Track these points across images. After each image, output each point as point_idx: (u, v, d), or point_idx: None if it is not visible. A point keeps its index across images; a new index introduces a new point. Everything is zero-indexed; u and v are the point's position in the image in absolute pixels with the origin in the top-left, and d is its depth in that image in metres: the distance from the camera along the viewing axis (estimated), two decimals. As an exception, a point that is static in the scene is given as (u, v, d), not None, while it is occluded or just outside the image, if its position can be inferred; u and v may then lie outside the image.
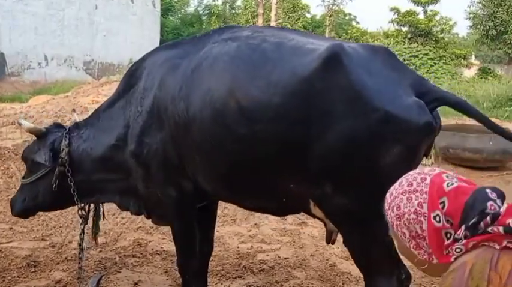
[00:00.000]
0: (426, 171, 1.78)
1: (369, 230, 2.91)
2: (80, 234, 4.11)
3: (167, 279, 4.67)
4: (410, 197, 1.74)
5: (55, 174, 3.91)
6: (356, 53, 2.92)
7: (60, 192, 3.92)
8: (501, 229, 1.58)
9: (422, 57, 25.22)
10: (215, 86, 3.18)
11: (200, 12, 38.21)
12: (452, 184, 1.70)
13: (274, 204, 3.33)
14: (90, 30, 25.53)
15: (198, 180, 3.43)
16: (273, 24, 24.61)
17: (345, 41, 3.49)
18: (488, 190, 1.67)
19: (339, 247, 5.57)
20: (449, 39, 29.19)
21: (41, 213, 6.17)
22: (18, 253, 5.00)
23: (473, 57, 30.59)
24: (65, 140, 3.97)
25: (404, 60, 25.11)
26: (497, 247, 1.59)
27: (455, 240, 1.66)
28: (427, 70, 24.75)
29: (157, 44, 28.81)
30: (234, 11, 35.12)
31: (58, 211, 6.22)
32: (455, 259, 1.66)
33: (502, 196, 1.67)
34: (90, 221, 4.28)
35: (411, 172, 1.82)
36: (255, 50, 3.16)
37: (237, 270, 4.92)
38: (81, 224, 4.11)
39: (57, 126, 4.26)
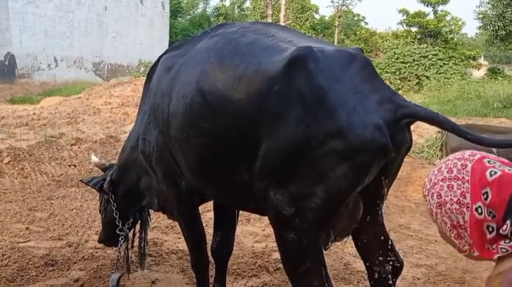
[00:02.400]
0: (466, 156, 1.72)
1: (298, 239, 2.78)
2: (119, 254, 4.36)
3: (183, 278, 4.70)
4: (451, 184, 1.69)
5: (102, 201, 4.39)
6: (325, 58, 2.74)
7: (112, 218, 4.31)
8: None
9: (431, 58, 25.18)
10: (188, 80, 3.19)
11: (208, 14, 38.33)
12: (496, 172, 1.63)
13: (250, 202, 3.20)
14: (99, 32, 25.68)
15: (186, 177, 3.45)
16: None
17: (331, 43, 3.29)
18: None
19: (353, 247, 5.58)
20: (458, 40, 29.10)
21: (56, 212, 6.30)
22: (36, 252, 5.03)
23: (482, 57, 30.52)
24: (111, 170, 4.33)
25: (414, 60, 25.12)
26: None
27: (500, 236, 1.60)
28: (437, 71, 24.72)
29: (166, 45, 28.97)
30: (242, 12, 35.18)
31: (74, 211, 6.33)
32: (499, 257, 1.62)
33: None
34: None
35: (450, 157, 1.75)
36: (228, 44, 3.13)
37: (252, 269, 4.95)
38: (123, 243, 4.35)
39: None
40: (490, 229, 1.63)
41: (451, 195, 1.69)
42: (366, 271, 4.85)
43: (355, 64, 2.75)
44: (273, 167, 2.75)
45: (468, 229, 1.67)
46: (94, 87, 12.36)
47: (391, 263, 3.13)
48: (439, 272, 5.10)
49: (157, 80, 3.63)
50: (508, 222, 1.58)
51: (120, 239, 4.29)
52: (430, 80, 23.74)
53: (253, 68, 2.86)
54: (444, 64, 25.06)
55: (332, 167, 2.60)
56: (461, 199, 1.66)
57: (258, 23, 3.58)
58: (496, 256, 1.62)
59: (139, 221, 4.53)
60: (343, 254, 5.38)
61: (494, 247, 1.63)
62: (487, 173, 1.64)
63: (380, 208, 3.16)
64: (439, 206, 1.72)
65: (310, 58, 2.69)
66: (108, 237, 4.52)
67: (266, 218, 6.45)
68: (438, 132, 10.39)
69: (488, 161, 1.68)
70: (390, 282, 3.17)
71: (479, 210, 1.63)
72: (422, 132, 11.02)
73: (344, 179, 2.62)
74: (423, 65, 24.94)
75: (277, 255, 5.27)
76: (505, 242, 1.61)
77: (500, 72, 26.74)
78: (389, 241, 3.19)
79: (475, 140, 2.61)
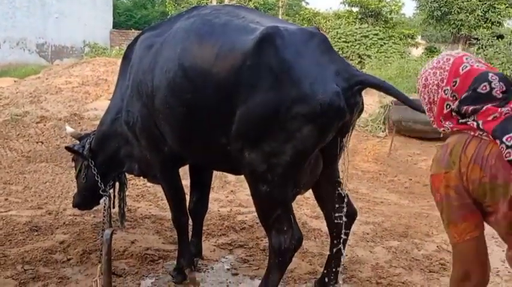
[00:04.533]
0: (453, 53, 2.42)
1: (270, 191, 3.31)
2: (105, 211, 4.71)
3: (159, 238, 5.16)
4: (435, 72, 2.40)
5: (82, 168, 4.73)
6: (290, 36, 3.24)
7: (92, 182, 4.65)
8: (475, 124, 2.24)
9: (372, 38, 25.99)
10: (169, 57, 3.64)
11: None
12: (466, 67, 2.32)
13: (226, 163, 3.68)
14: (42, 12, 25.15)
15: (169, 143, 3.90)
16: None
17: (293, 23, 3.73)
18: (490, 74, 2.28)
19: (308, 209, 6.21)
20: (397, 20, 30.03)
21: (30, 185, 6.62)
22: (19, 219, 5.39)
23: (419, 37, 31.56)
24: (89, 138, 4.69)
25: (356, 40, 25.88)
26: (472, 134, 2.26)
27: (450, 114, 2.32)
28: (378, 50, 25.54)
29: (110, 25, 28.72)
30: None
31: (47, 184, 6.68)
32: (444, 131, 2.36)
33: (503, 79, 2.26)
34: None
35: (443, 53, 2.47)
36: (205, 25, 3.58)
37: (220, 229, 5.47)
38: (107, 202, 4.74)
39: (94, 131, 4.86)
40: (447, 106, 2.36)
41: (433, 79, 2.41)
42: (321, 229, 5.50)
43: (315, 40, 3.29)
44: (248, 130, 3.27)
45: (437, 104, 2.38)
46: (52, 67, 12.52)
47: (346, 211, 3.71)
48: (385, 228, 5.75)
49: (139, 58, 4.06)
50: (457, 102, 2.29)
51: (103, 199, 4.71)
52: (371, 58, 24.51)
53: (229, 46, 3.36)
54: (384, 43, 25.92)
55: (298, 128, 3.14)
56: (439, 82, 2.38)
57: (228, 6, 4.09)
58: (442, 129, 2.38)
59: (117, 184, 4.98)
60: (300, 215, 5.95)
61: (443, 122, 2.36)
62: (461, 67, 2.34)
63: (336, 164, 3.76)
64: (424, 86, 2.45)
65: (277, 36, 3.21)
66: (84, 201, 4.93)
67: (228, 186, 7.02)
68: (381, 107, 11.10)
69: (466, 58, 2.38)
70: (345, 228, 3.75)
71: (446, 92, 2.35)
72: (366, 108, 11.62)
73: (308, 138, 3.17)
74: (364, 45, 25.74)
75: (241, 217, 5.83)
76: (448, 123, 2.34)
77: (436, 51, 27.83)
78: (344, 192, 3.77)
79: (413, 106, 3.24)
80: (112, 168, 4.68)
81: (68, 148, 4.78)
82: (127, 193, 6.27)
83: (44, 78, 10.96)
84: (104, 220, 4.62)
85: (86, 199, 4.91)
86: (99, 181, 4.63)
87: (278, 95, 3.13)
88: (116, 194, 4.99)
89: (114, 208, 4.99)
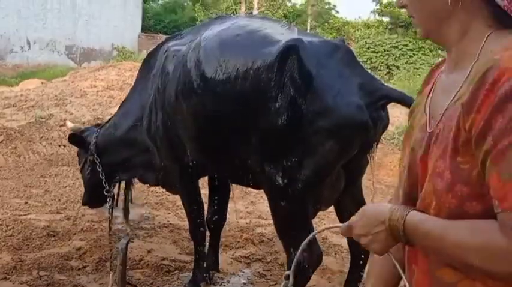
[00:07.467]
0: None
1: (290, 207, 3.20)
2: (109, 212, 4.57)
3: (176, 248, 5.10)
4: None
5: (87, 163, 4.57)
6: (313, 48, 3.17)
7: (97, 178, 4.49)
8: None
9: (402, 48, 25.66)
10: (191, 67, 3.58)
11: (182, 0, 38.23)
12: None
13: (245, 176, 3.59)
14: (72, 15, 25.46)
15: (190, 153, 3.83)
16: (255, 12, 24.93)
17: (318, 35, 3.62)
18: None
19: (329, 223, 6.09)
20: (428, 31, 29.64)
21: (51, 189, 6.62)
22: (37, 224, 5.38)
23: (449, 48, 31.17)
24: (95, 133, 4.56)
25: (385, 50, 25.61)
26: None
27: None
28: (407, 61, 25.22)
29: (139, 29, 28.92)
30: (216, -2, 35.14)
31: (67, 188, 6.68)
32: None
33: None
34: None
35: None
36: (228, 36, 3.52)
37: (238, 241, 5.37)
38: (110, 203, 4.57)
39: (97, 125, 4.83)
40: None
41: None
42: (341, 245, 5.37)
43: (339, 53, 3.21)
44: (268, 144, 3.19)
45: None
46: (78, 70, 12.65)
47: None
48: (407, 246, 5.60)
49: (162, 66, 4.01)
50: None
51: (107, 199, 4.54)
52: (400, 70, 24.20)
53: (252, 58, 3.28)
54: (414, 55, 25.55)
55: (320, 142, 3.04)
56: None
57: (254, 17, 4.03)
58: None
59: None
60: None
61: None
62: None
63: (360, 180, 3.65)
64: None
65: (300, 48, 3.11)
66: (90, 199, 4.82)
67: (248, 197, 6.93)
68: (409, 120, 10.88)
69: None
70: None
71: None
72: (393, 120, 11.45)
73: (331, 152, 3.07)
74: (394, 55, 25.41)
75: (260, 230, 5.73)
76: None
77: (466, 64, 27.47)
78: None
79: None
80: (120, 172, 4.58)
81: (71, 138, 4.64)
82: (146, 201, 6.26)
83: (69, 81, 11.05)
84: (109, 225, 4.55)
85: (91, 196, 4.78)
86: (103, 179, 4.48)
87: (300, 108, 3.04)
88: (122, 191, 4.86)
89: (116, 205, 4.85)
